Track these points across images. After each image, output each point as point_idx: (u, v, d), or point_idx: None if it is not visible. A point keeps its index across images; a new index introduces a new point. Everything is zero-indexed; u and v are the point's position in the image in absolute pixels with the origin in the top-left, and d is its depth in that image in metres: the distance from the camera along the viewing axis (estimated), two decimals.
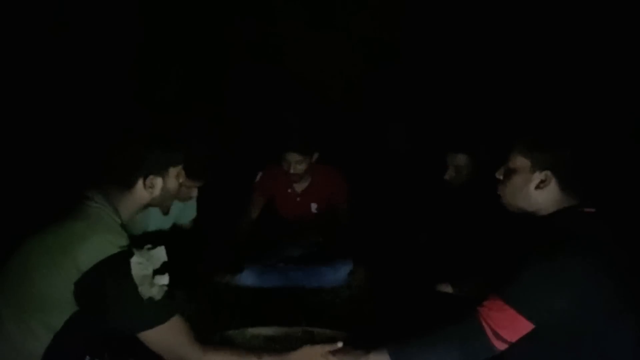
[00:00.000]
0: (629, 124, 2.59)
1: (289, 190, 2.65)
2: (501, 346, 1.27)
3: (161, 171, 1.42)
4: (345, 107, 3.67)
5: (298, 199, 2.66)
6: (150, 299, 1.25)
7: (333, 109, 3.60)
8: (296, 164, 2.45)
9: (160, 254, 1.31)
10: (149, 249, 1.30)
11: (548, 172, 1.36)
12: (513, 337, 1.26)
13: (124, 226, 1.36)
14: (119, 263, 1.24)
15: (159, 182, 1.41)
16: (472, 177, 2.23)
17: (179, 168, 1.47)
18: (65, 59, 3.06)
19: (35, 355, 1.25)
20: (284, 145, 2.43)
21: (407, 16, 3.53)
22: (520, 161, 1.39)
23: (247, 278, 2.09)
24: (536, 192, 1.37)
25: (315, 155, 2.50)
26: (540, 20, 3.06)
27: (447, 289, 1.85)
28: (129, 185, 1.39)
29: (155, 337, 1.30)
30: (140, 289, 1.24)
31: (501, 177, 1.45)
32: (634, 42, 2.68)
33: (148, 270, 1.26)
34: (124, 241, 1.29)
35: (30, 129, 2.83)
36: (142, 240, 1.35)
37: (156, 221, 2.05)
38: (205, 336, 1.43)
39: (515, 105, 3.00)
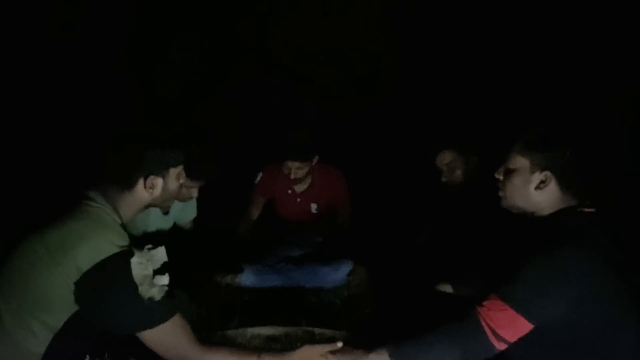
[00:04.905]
0: (629, 123, 2.59)
1: (289, 191, 2.66)
2: (501, 346, 1.27)
3: (162, 171, 1.42)
4: (345, 107, 3.67)
5: (298, 199, 2.67)
6: (151, 298, 1.26)
7: (333, 109, 3.60)
8: (297, 169, 2.47)
9: (160, 254, 1.31)
10: (149, 249, 1.30)
11: (548, 173, 1.35)
12: (513, 337, 1.26)
13: (124, 226, 1.36)
14: (119, 263, 1.24)
15: (159, 182, 1.42)
16: (470, 177, 2.23)
17: (180, 168, 1.47)
18: (66, 59, 3.06)
19: (35, 355, 1.25)
20: (284, 154, 2.45)
21: (406, 17, 3.53)
22: (519, 161, 1.39)
23: (247, 278, 2.09)
24: (536, 192, 1.37)
25: (316, 159, 2.51)
26: (540, 19, 3.06)
27: (447, 289, 1.85)
28: (130, 185, 1.39)
29: (155, 336, 1.30)
30: (140, 289, 1.24)
31: (501, 178, 1.45)
32: (633, 42, 2.68)
33: (148, 270, 1.27)
34: (124, 241, 1.29)
35: (30, 129, 2.83)
36: (142, 240, 1.35)
37: (156, 221, 2.05)
38: (205, 336, 1.43)
39: (514, 104, 3.00)
